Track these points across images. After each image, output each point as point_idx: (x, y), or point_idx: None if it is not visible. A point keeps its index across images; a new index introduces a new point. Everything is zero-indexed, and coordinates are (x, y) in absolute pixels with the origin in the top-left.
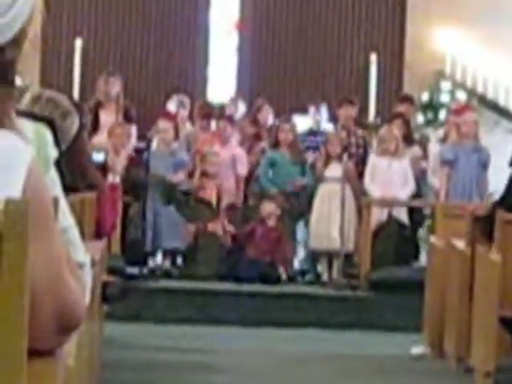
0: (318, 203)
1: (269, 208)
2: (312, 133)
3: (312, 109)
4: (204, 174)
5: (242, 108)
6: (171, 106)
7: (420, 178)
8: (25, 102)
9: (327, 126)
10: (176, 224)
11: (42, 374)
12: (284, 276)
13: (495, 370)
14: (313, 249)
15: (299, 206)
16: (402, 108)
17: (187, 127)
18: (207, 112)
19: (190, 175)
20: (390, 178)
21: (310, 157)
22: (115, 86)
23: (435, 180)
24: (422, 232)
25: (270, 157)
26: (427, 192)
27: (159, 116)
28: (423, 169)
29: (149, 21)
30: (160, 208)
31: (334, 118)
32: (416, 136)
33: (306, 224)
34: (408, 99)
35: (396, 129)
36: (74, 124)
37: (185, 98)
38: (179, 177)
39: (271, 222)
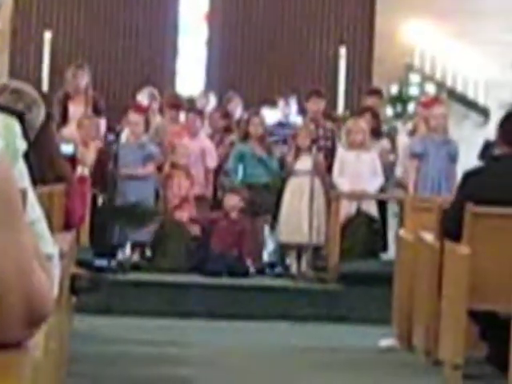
0: (288, 196)
1: (232, 201)
2: (281, 125)
3: (281, 101)
4: (174, 165)
5: (212, 101)
6: (141, 99)
7: (389, 170)
8: None
9: (296, 119)
10: (144, 217)
11: (8, 366)
12: (252, 269)
13: (464, 362)
14: (282, 242)
15: (268, 199)
16: (370, 101)
17: (157, 120)
18: (176, 103)
19: (159, 169)
20: (358, 170)
21: (278, 150)
22: (84, 79)
23: (403, 172)
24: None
25: (239, 150)
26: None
27: (129, 108)
28: (391, 162)
29: (117, 13)
30: (128, 201)
31: (303, 111)
32: (384, 128)
33: (275, 217)
34: (376, 92)
35: (364, 122)
36: (39, 115)
37: (155, 90)
38: (148, 169)
39: (234, 215)
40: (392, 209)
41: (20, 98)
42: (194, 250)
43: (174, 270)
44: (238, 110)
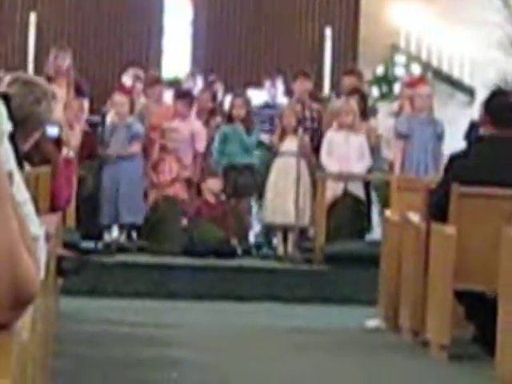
0: (274, 177)
1: (211, 184)
2: (268, 107)
3: (267, 82)
4: (163, 148)
5: (199, 82)
6: (126, 80)
7: (375, 151)
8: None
9: (283, 100)
10: (133, 199)
11: None
12: (239, 250)
13: (450, 343)
14: (268, 223)
15: (250, 180)
16: (348, 81)
17: (141, 100)
18: (154, 79)
19: (145, 149)
20: (346, 152)
21: (265, 130)
22: (66, 60)
23: (389, 153)
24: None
25: (224, 132)
26: (381, 165)
27: (114, 90)
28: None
29: None
30: (116, 182)
31: (289, 92)
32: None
33: (261, 198)
34: (353, 72)
35: (354, 103)
36: (49, 109)
37: (140, 71)
38: (135, 148)
39: (212, 200)
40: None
41: (31, 91)
42: (182, 232)
43: (164, 253)
44: (219, 94)
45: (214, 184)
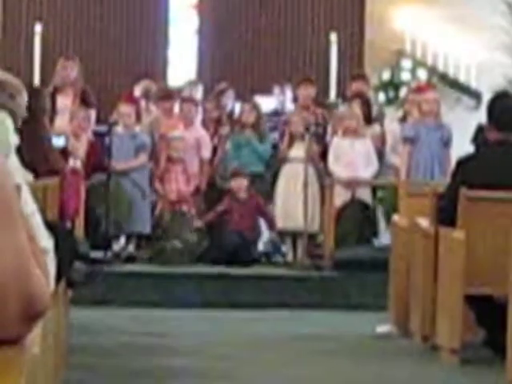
0: (282, 184)
1: (240, 182)
2: (277, 113)
3: (277, 89)
4: (169, 159)
5: (200, 90)
6: (137, 91)
7: (381, 156)
8: None
9: (292, 107)
10: (140, 209)
11: (6, 363)
12: (254, 255)
13: (461, 347)
14: (278, 230)
15: (262, 187)
16: (355, 86)
17: (153, 111)
18: (166, 94)
19: (155, 160)
20: (353, 158)
21: (274, 137)
22: (73, 70)
23: (395, 158)
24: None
25: (236, 139)
26: (387, 171)
27: (120, 100)
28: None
29: (108, 4)
30: (123, 192)
31: (295, 99)
32: (373, 113)
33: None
34: (360, 77)
35: (357, 107)
36: (23, 104)
37: (152, 84)
38: (141, 159)
39: (243, 195)
40: (380, 195)
41: (3, 89)
42: (197, 242)
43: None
44: (229, 102)
45: (241, 182)
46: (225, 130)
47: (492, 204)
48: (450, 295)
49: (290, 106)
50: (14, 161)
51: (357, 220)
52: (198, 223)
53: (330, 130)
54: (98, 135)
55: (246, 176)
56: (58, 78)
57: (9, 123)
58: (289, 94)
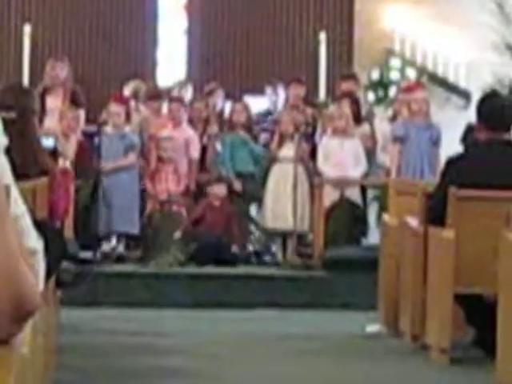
0: (272, 184)
1: (217, 189)
2: (269, 114)
3: (269, 89)
4: (160, 159)
5: (190, 90)
6: (126, 91)
7: (371, 156)
8: None
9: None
10: (130, 208)
11: None
12: (240, 257)
13: (451, 346)
14: (268, 229)
15: (254, 187)
16: (345, 86)
17: (142, 111)
18: (155, 94)
19: (145, 160)
20: (342, 158)
21: (265, 137)
22: (63, 71)
23: (385, 157)
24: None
25: (229, 138)
26: (376, 170)
27: (110, 100)
28: (371, 147)
29: (97, 5)
30: (113, 192)
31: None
32: (362, 113)
33: (260, 205)
34: (350, 77)
35: (346, 107)
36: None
37: (141, 84)
38: (130, 159)
39: (217, 203)
40: (373, 194)
41: None
42: (183, 244)
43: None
44: (219, 102)
45: (219, 189)
46: (213, 129)
47: (481, 203)
48: (440, 294)
49: (282, 106)
50: (3, 162)
51: (346, 220)
52: (185, 223)
53: (319, 129)
54: (87, 135)
55: (227, 183)
56: (48, 78)
57: None
58: (281, 93)
